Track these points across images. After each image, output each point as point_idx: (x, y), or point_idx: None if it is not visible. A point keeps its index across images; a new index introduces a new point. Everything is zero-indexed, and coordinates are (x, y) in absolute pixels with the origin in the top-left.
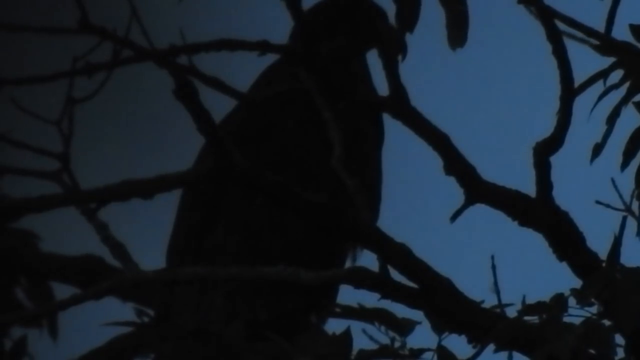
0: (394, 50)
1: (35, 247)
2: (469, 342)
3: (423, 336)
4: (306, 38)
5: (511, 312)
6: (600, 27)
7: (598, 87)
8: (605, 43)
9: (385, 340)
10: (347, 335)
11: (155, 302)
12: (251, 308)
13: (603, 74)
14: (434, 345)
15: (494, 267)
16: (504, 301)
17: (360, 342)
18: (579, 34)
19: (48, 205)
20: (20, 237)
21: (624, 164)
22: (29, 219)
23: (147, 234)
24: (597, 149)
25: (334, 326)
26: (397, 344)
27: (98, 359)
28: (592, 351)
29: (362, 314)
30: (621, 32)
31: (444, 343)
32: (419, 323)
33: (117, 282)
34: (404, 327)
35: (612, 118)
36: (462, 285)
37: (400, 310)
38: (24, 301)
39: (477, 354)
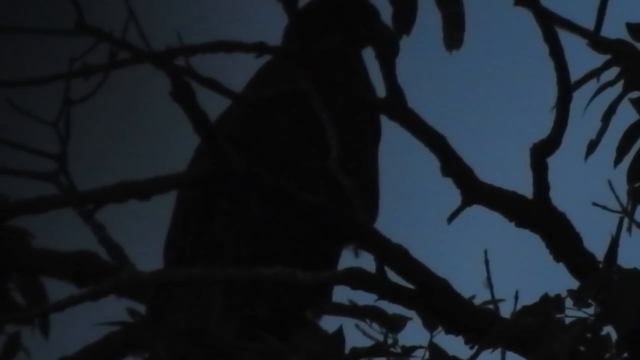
0: (385, 47)
1: (28, 243)
2: (467, 342)
3: (415, 333)
4: (301, 36)
5: (504, 308)
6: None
7: (593, 85)
8: (600, 41)
9: (378, 335)
10: (339, 333)
11: (148, 299)
12: (249, 305)
13: (597, 72)
14: (425, 342)
15: (486, 262)
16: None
17: (355, 338)
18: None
19: (45, 206)
20: (13, 234)
21: (617, 161)
22: (26, 220)
23: (144, 235)
24: (592, 146)
25: (327, 324)
26: (389, 341)
27: (91, 356)
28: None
29: (354, 311)
30: (619, 31)
31: (435, 340)
32: (410, 319)
33: (115, 283)
34: (395, 324)
35: (608, 115)
36: (459, 286)
37: (392, 307)
38: (17, 297)
39: (475, 356)
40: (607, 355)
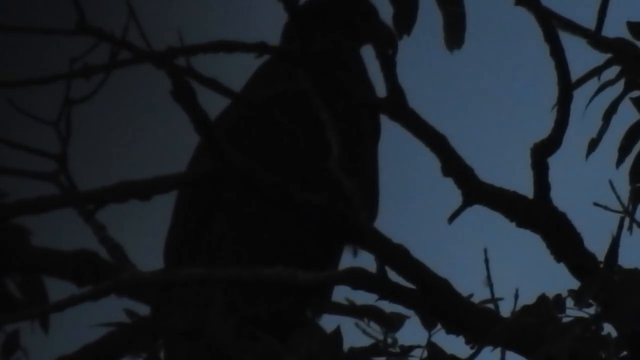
0: (384, 45)
1: (27, 242)
2: (467, 342)
3: (413, 332)
4: (301, 35)
5: (503, 307)
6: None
7: (594, 84)
8: (601, 40)
9: (379, 335)
10: (337, 333)
11: (152, 300)
12: (249, 305)
13: (598, 71)
14: (423, 341)
15: (486, 261)
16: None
17: (355, 337)
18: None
19: (45, 206)
20: (12, 232)
21: (619, 161)
22: (26, 219)
23: (144, 235)
24: (593, 145)
25: (326, 324)
26: (388, 340)
27: (90, 356)
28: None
29: (352, 310)
30: (620, 30)
31: (433, 338)
32: (408, 318)
33: (115, 284)
34: (393, 323)
35: (609, 114)
36: (460, 286)
37: (391, 306)
38: (16, 295)
39: (475, 355)
40: (606, 355)
